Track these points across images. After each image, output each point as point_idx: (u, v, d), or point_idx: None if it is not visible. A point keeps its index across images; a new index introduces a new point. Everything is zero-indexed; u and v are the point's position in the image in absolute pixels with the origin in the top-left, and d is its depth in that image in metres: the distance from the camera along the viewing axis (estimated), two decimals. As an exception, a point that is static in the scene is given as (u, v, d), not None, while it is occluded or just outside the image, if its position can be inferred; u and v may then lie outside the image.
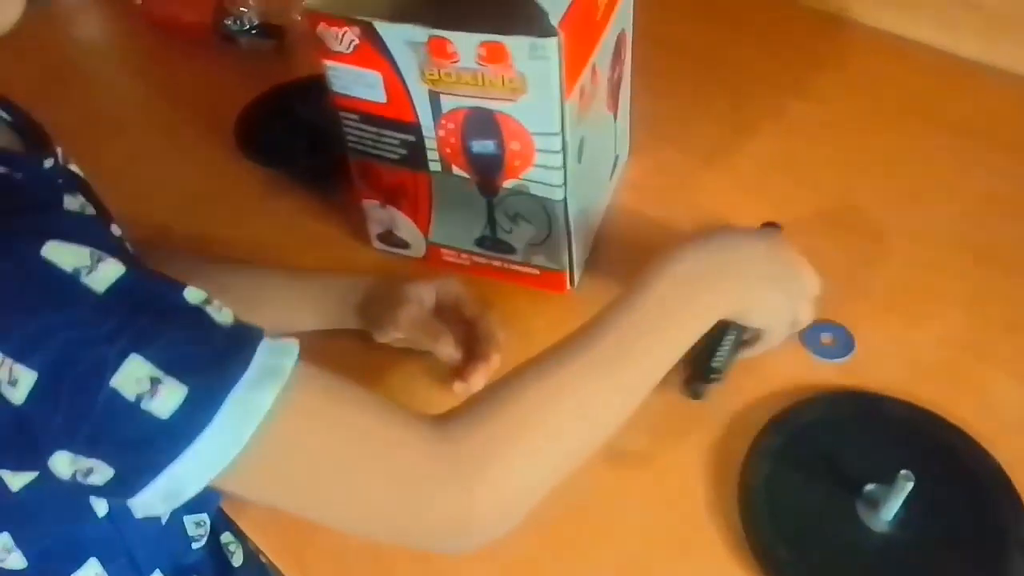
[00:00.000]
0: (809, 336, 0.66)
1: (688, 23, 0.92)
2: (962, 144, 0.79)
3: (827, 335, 0.66)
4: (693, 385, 0.61)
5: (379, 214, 0.72)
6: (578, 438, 0.49)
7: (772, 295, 0.58)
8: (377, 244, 0.75)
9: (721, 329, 0.61)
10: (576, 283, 0.71)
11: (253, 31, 0.96)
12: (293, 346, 0.42)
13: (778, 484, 0.58)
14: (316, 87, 0.65)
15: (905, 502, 0.54)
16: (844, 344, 0.65)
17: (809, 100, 0.84)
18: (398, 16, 0.58)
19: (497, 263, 0.71)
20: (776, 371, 0.64)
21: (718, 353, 0.61)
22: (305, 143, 0.80)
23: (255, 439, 0.38)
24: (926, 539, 0.55)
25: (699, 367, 0.61)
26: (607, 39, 0.65)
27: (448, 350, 0.63)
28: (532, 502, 0.47)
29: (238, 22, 0.96)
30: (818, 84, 0.85)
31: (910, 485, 0.53)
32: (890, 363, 0.64)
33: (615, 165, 0.77)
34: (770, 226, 0.69)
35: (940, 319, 0.67)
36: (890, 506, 0.55)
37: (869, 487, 0.57)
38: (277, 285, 0.68)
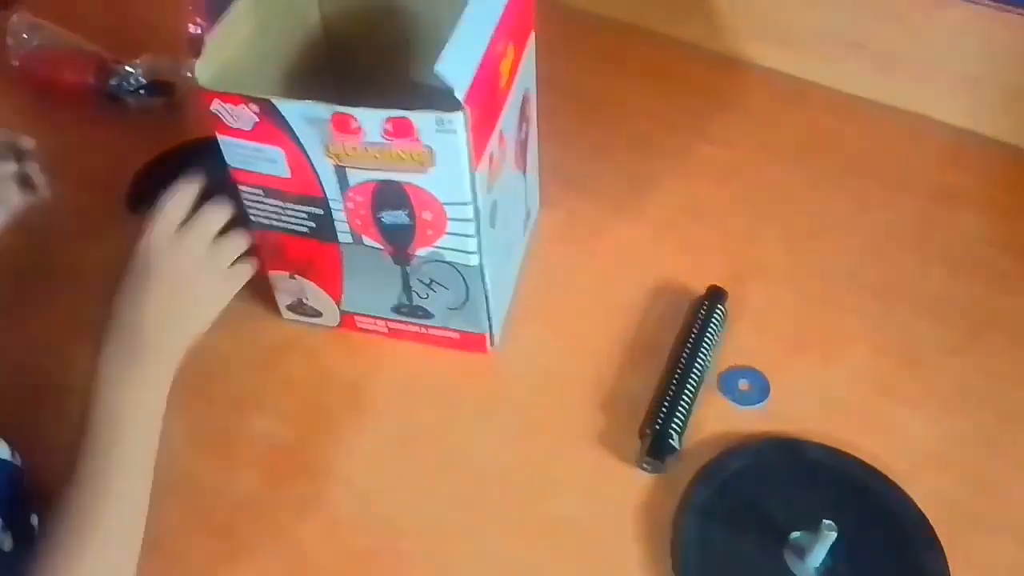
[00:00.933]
0: (727, 384, 0.67)
1: (588, 72, 0.93)
2: (857, 180, 0.82)
3: (744, 381, 0.67)
4: (652, 462, 0.62)
5: (288, 284, 0.69)
6: None
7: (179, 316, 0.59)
8: (287, 315, 0.72)
9: (673, 399, 0.63)
10: (496, 342, 0.70)
11: (141, 90, 0.92)
12: None
13: (708, 537, 0.58)
14: (212, 147, 0.62)
15: (830, 548, 0.55)
16: (760, 389, 0.67)
17: (711, 143, 0.86)
18: (296, 92, 0.57)
19: (415, 328, 0.69)
20: (698, 422, 0.65)
21: (674, 424, 0.62)
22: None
23: None
24: (852, 584, 0.56)
25: (659, 442, 0.62)
26: (512, 103, 0.64)
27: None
28: None
29: (124, 81, 0.91)
30: (719, 126, 0.87)
31: (833, 535, 0.54)
32: (805, 404, 0.66)
33: (527, 219, 0.77)
34: (715, 291, 0.71)
35: (848, 357, 0.69)
36: (816, 554, 0.56)
37: (795, 535, 0.58)
38: None
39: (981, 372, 0.67)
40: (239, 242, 0.64)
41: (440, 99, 0.53)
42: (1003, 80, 0.82)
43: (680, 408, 0.63)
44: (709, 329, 0.68)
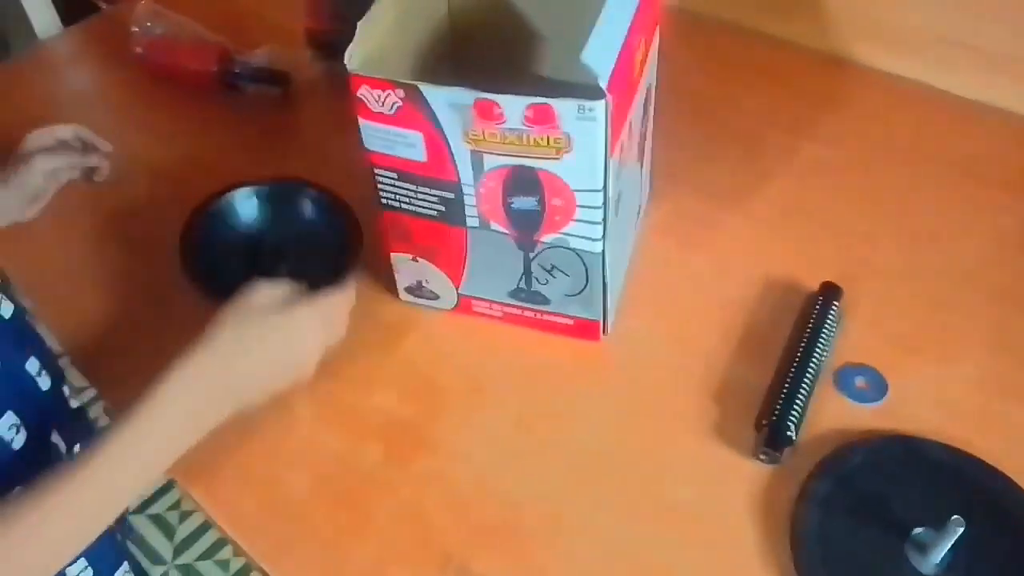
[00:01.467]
0: (843, 381, 0.67)
1: (699, 72, 0.93)
2: (969, 183, 0.81)
3: (861, 379, 0.67)
4: (770, 453, 0.62)
5: (409, 266, 0.72)
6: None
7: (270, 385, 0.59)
8: (404, 296, 0.75)
9: (790, 392, 0.64)
10: (609, 331, 0.71)
11: (260, 80, 0.95)
12: None
13: (828, 530, 0.59)
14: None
15: (953, 546, 0.55)
16: (877, 387, 0.66)
17: (823, 143, 0.86)
18: (439, 77, 0.59)
19: (530, 313, 0.71)
20: (815, 417, 0.65)
21: (791, 416, 0.63)
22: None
23: None
24: (976, 582, 0.56)
25: (777, 433, 0.62)
26: (640, 94, 0.66)
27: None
28: None
29: (244, 70, 0.95)
30: (830, 127, 0.87)
31: (960, 530, 0.54)
32: (923, 404, 0.66)
33: (639, 212, 0.78)
34: (830, 288, 0.71)
35: (966, 359, 0.68)
36: (939, 550, 0.56)
37: (917, 531, 0.58)
38: None
39: (1106, 377, 0.66)
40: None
41: (571, 91, 0.55)
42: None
43: (797, 401, 0.64)
44: (826, 324, 0.68)
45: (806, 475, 0.62)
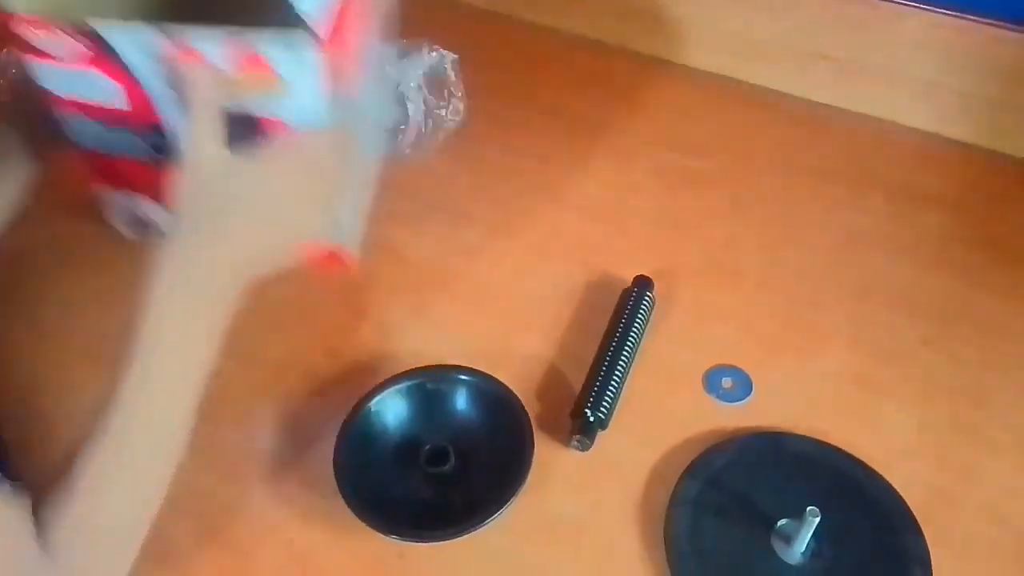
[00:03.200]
0: (711, 383, 0.70)
1: (506, 72, 0.98)
2: (828, 185, 0.86)
3: (727, 380, 0.70)
4: (582, 440, 0.65)
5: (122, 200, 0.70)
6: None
7: (271, 241, 0.55)
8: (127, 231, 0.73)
9: (596, 376, 0.67)
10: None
11: None
12: None
13: (699, 528, 0.61)
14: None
15: (815, 534, 0.58)
16: (743, 386, 0.70)
17: (680, 152, 0.89)
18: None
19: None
20: (684, 420, 0.68)
21: (603, 403, 0.66)
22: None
23: None
24: (837, 567, 0.59)
25: (587, 419, 0.65)
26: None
27: None
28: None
29: None
30: (690, 137, 0.91)
31: (816, 520, 0.57)
32: (787, 399, 0.69)
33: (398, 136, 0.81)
34: (643, 280, 0.74)
35: (826, 352, 0.72)
36: (801, 539, 0.59)
37: (781, 522, 0.61)
38: None
39: (953, 361, 0.71)
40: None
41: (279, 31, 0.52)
42: (961, 85, 0.86)
43: (609, 388, 0.67)
44: (638, 314, 0.72)
45: (678, 478, 0.64)
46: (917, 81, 0.88)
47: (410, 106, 0.83)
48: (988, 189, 0.85)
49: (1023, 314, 0.74)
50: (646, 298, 0.73)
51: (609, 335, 0.71)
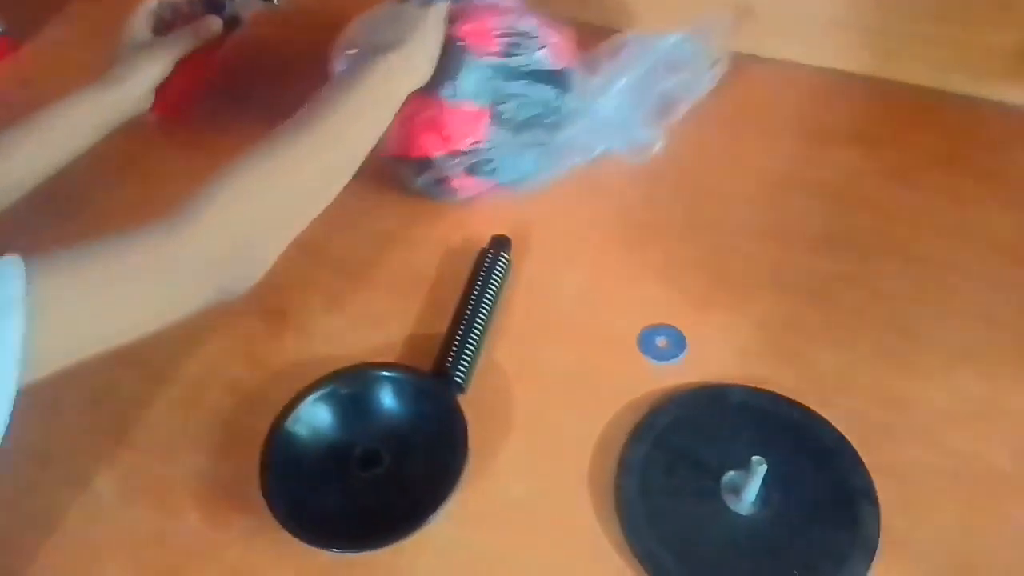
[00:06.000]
0: (646, 344, 0.69)
1: None
2: (736, 130, 0.86)
3: (661, 339, 0.69)
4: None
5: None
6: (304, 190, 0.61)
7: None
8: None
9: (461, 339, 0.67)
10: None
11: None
12: (12, 266, 0.46)
13: (649, 493, 0.61)
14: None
15: (763, 481, 0.58)
16: (677, 344, 0.69)
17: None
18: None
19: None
20: (624, 384, 0.67)
21: (461, 363, 0.66)
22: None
23: (32, 356, 0.45)
24: (787, 511, 0.59)
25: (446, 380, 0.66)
26: None
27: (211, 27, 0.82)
28: (269, 242, 0.58)
29: None
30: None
31: (763, 468, 0.57)
32: (722, 353, 0.69)
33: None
34: (500, 240, 0.75)
35: (755, 301, 0.72)
36: (750, 489, 0.59)
37: (728, 475, 0.61)
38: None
39: (878, 296, 0.72)
40: None
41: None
42: (862, 19, 0.86)
43: (467, 348, 0.67)
44: (494, 274, 0.72)
45: (623, 445, 0.63)
46: (816, 19, 0.88)
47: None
48: (893, 119, 0.86)
49: (938, 239, 0.75)
50: (501, 259, 0.73)
51: (464, 299, 0.71)
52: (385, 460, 0.62)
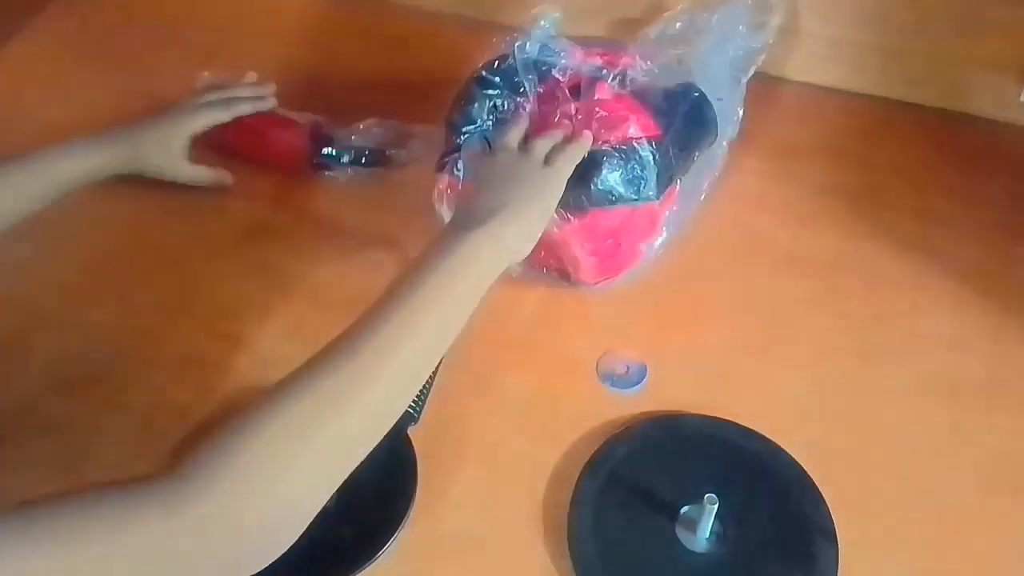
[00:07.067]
0: (605, 371, 0.68)
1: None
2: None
3: (621, 366, 0.68)
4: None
5: None
6: (346, 443, 0.46)
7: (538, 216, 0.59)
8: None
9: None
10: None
11: (357, 160, 0.83)
12: None
13: (602, 528, 0.59)
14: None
15: (717, 516, 0.57)
16: (637, 371, 0.68)
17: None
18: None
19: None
20: (582, 414, 0.65)
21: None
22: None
23: None
24: (742, 548, 0.58)
25: None
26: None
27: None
28: (310, 504, 0.44)
29: (340, 150, 0.83)
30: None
31: (715, 508, 0.55)
32: (681, 380, 0.67)
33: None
34: None
35: (715, 325, 0.71)
36: (704, 527, 0.57)
37: (685, 509, 0.59)
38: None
39: (840, 318, 0.70)
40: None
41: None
42: (830, 31, 0.85)
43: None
44: None
45: (577, 476, 0.62)
46: (793, 33, 0.86)
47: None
48: (861, 133, 0.85)
49: (904, 260, 0.74)
50: None
51: None
52: (332, 494, 0.61)
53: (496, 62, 0.70)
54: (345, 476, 0.46)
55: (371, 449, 0.47)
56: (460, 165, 0.67)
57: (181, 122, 0.78)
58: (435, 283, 0.51)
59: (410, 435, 0.62)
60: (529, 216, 0.58)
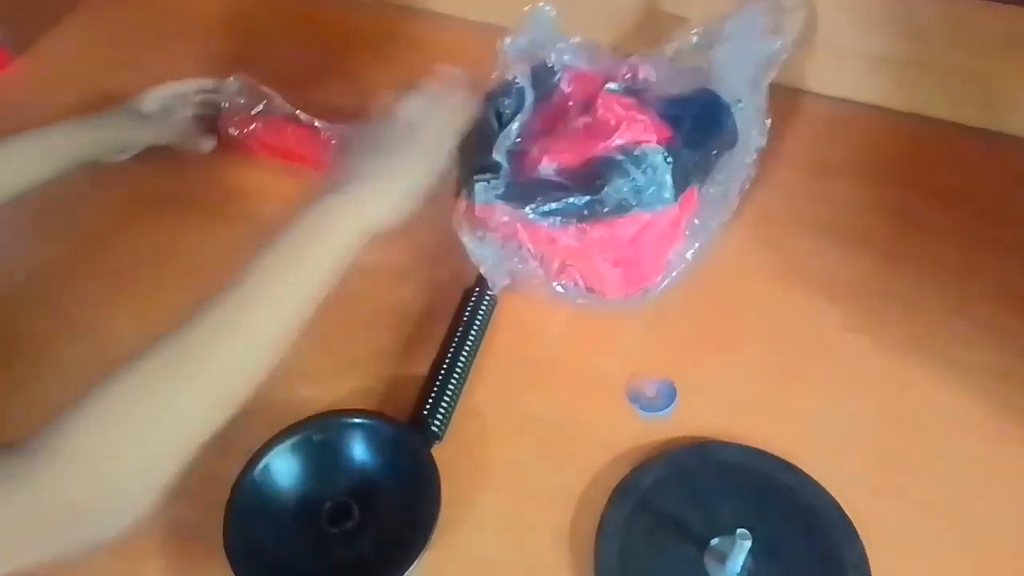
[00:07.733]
0: (633, 395, 0.66)
1: None
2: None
3: (650, 389, 0.66)
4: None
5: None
6: (198, 404, 0.47)
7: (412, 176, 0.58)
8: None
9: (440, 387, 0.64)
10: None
11: None
12: None
13: (630, 557, 0.58)
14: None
15: (749, 551, 0.55)
16: (667, 395, 0.66)
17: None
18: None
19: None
20: (611, 438, 0.64)
21: (439, 411, 0.63)
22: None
23: None
24: (774, 583, 0.56)
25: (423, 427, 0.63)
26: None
27: None
28: (155, 472, 0.45)
29: None
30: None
31: (748, 543, 0.54)
32: (712, 405, 0.65)
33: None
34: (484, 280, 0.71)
35: (748, 350, 0.69)
36: (735, 560, 0.56)
37: (715, 541, 0.58)
38: None
39: (877, 345, 0.68)
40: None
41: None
42: (868, 47, 0.82)
43: (446, 394, 0.64)
44: (478, 315, 0.69)
45: (605, 503, 0.60)
46: (828, 47, 0.84)
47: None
48: (899, 152, 0.82)
49: (946, 285, 0.71)
50: (486, 298, 0.70)
51: (447, 340, 0.68)
52: (355, 514, 0.60)
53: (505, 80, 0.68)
54: (192, 450, 0.46)
55: (225, 416, 0.47)
56: (475, 188, 0.65)
57: (183, 95, 0.83)
58: (288, 245, 0.52)
59: (433, 454, 0.61)
60: (393, 181, 0.56)
